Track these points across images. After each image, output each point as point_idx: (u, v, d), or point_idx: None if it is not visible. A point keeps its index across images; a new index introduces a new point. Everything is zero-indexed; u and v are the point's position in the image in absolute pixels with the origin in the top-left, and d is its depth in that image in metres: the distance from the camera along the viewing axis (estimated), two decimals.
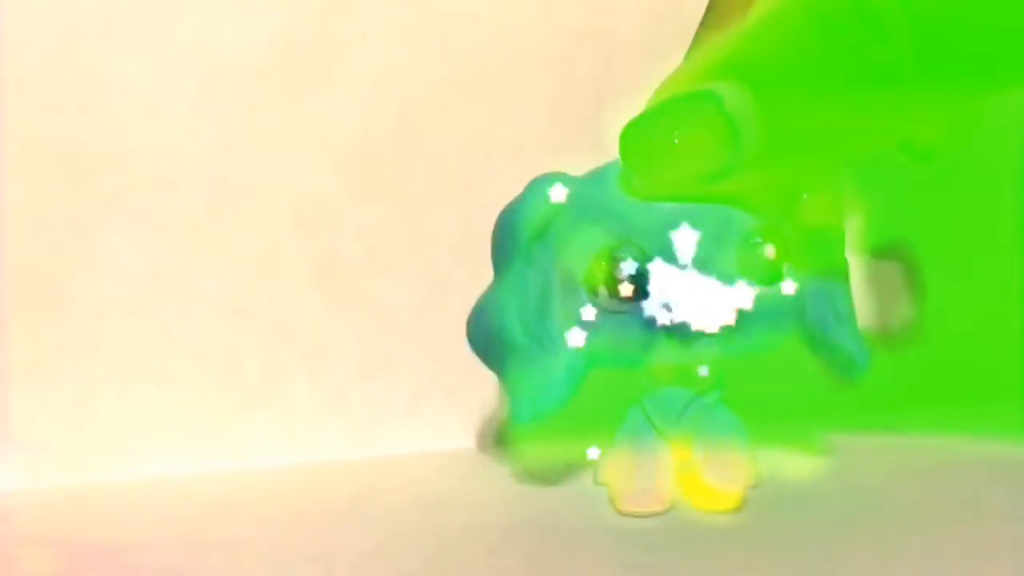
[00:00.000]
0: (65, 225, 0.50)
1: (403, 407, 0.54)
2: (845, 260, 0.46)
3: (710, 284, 0.42)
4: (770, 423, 0.45)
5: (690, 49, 0.47)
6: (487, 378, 0.47)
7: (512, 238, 0.45)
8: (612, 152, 0.44)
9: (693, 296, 0.42)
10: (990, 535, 0.42)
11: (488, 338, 0.45)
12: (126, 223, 0.50)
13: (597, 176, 0.44)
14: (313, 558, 0.41)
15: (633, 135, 0.42)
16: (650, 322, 0.42)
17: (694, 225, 0.42)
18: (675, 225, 0.42)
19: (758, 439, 0.45)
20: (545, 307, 0.43)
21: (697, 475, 0.44)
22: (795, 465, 0.47)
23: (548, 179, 0.44)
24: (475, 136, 0.55)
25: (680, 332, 0.42)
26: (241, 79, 0.52)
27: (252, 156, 0.52)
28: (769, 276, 0.43)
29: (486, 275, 0.47)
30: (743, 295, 0.42)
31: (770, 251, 0.43)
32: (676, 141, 0.41)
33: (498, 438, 0.54)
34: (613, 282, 0.42)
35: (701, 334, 0.42)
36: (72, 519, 0.46)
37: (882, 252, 0.59)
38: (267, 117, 0.52)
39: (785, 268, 0.43)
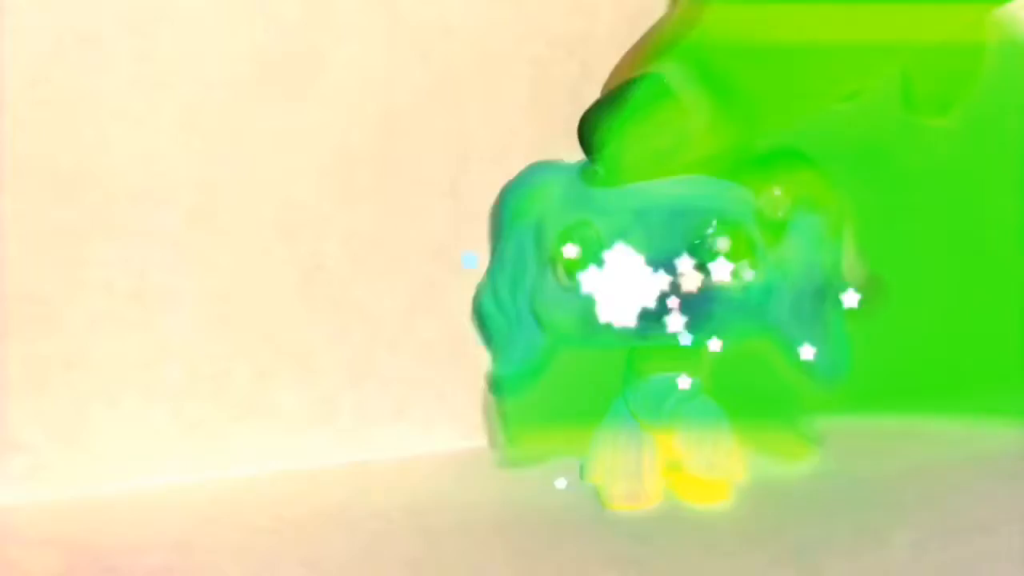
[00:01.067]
0: (52, 239, 0.50)
1: (391, 412, 0.55)
2: (825, 262, 0.46)
3: (632, 273, 0.43)
4: (756, 413, 0.45)
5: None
6: (475, 381, 0.47)
7: (500, 218, 0.47)
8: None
9: (613, 285, 0.43)
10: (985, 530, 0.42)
11: (476, 312, 0.47)
12: (112, 236, 0.51)
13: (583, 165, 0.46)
14: (304, 563, 0.41)
15: (589, 126, 0.43)
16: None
17: (656, 214, 0.43)
18: (634, 212, 0.43)
19: (745, 430, 0.45)
20: (518, 282, 0.45)
21: (682, 467, 0.44)
22: (785, 455, 0.47)
23: (542, 166, 0.46)
24: (456, 141, 0.56)
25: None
26: (223, 92, 0.52)
27: (236, 167, 0.53)
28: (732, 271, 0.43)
29: (472, 278, 0.47)
30: (660, 286, 0.43)
31: (723, 243, 0.43)
32: (631, 125, 0.43)
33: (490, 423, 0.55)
34: (566, 261, 0.44)
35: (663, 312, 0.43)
36: (65, 531, 0.46)
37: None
38: (250, 128, 0.53)
39: (741, 264, 0.44)
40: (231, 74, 0.52)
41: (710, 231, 0.43)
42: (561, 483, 0.45)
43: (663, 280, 0.43)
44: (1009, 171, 0.63)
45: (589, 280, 0.44)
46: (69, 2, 0.50)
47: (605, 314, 0.43)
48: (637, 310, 0.43)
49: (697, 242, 0.43)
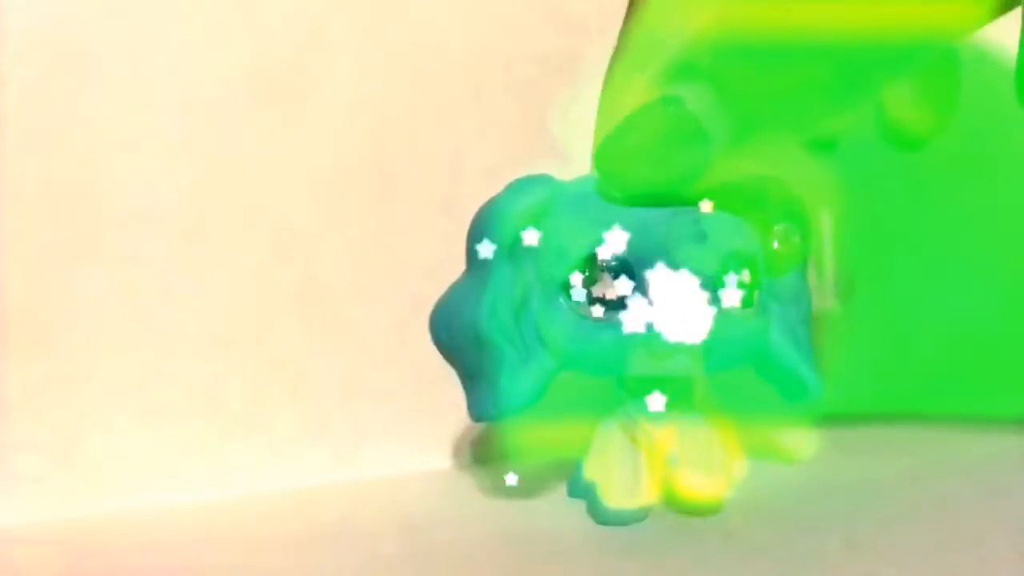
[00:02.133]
0: (46, 261, 0.50)
1: (385, 430, 0.55)
2: (806, 282, 0.47)
3: (689, 296, 0.43)
4: (751, 416, 0.45)
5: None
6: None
7: (487, 237, 0.45)
8: (579, 169, 0.45)
9: (672, 306, 0.43)
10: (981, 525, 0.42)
11: (456, 334, 0.45)
12: (106, 257, 0.51)
13: (585, 180, 0.45)
14: None
15: (608, 150, 0.43)
16: (624, 331, 0.43)
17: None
18: (659, 234, 0.43)
19: (740, 434, 0.45)
20: (522, 309, 0.44)
21: (675, 477, 0.44)
22: (780, 458, 0.47)
23: (532, 179, 0.45)
24: (448, 159, 0.56)
25: (653, 343, 0.43)
26: (216, 112, 0.53)
27: (229, 187, 0.53)
28: (744, 299, 0.43)
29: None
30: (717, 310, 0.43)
31: (745, 276, 0.43)
32: (649, 150, 0.42)
33: (475, 449, 0.55)
34: (591, 286, 0.43)
35: (676, 346, 0.42)
36: (61, 551, 0.46)
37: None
38: (242, 148, 0.53)
39: (756, 295, 0.44)
40: (224, 94, 0.53)
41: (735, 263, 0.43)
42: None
43: (701, 304, 0.43)
44: (999, 172, 0.63)
45: (630, 305, 0.43)
46: (61, 23, 0.50)
47: (671, 334, 0.43)
48: (695, 333, 0.43)
49: (713, 275, 0.43)
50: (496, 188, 0.48)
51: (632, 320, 0.42)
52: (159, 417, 0.52)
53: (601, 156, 0.44)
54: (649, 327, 0.42)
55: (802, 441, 0.46)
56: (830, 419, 0.46)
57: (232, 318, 0.53)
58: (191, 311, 0.52)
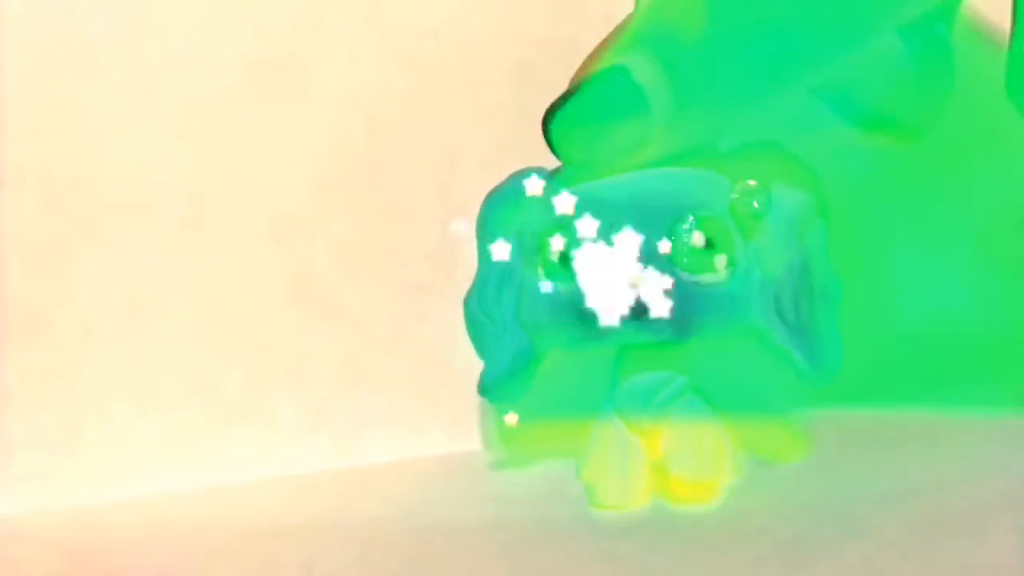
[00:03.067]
0: (43, 252, 0.50)
1: (383, 416, 0.55)
2: (807, 255, 0.46)
3: (613, 270, 0.44)
4: (745, 410, 0.46)
5: None
6: (466, 385, 0.48)
7: (485, 225, 0.47)
8: None
9: (595, 281, 0.43)
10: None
11: (466, 320, 0.47)
12: (103, 247, 0.51)
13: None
14: (299, 567, 0.42)
15: (557, 120, 0.44)
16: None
17: (632, 213, 0.44)
18: (612, 207, 0.44)
19: (734, 428, 0.45)
20: (503, 288, 0.45)
21: (670, 467, 0.44)
22: (774, 453, 0.47)
23: (527, 173, 0.46)
24: (444, 147, 0.56)
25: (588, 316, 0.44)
26: (213, 101, 0.53)
27: (225, 176, 0.53)
28: (698, 265, 0.44)
29: (461, 283, 0.48)
30: (649, 283, 0.43)
31: (698, 238, 0.44)
32: (596, 118, 0.43)
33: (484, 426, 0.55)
34: (546, 264, 0.44)
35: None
36: (61, 539, 0.46)
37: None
38: (239, 137, 0.53)
39: (718, 259, 0.44)
40: (220, 84, 0.53)
41: (686, 227, 0.44)
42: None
43: (646, 277, 0.43)
44: (991, 165, 0.63)
45: (573, 278, 0.44)
46: (59, 14, 0.51)
47: (593, 312, 0.44)
48: (621, 309, 0.43)
49: (673, 239, 0.44)
50: (493, 175, 0.48)
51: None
52: (158, 406, 0.52)
53: (549, 125, 0.45)
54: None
55: (796, 439, 0.46)
56: (825, 413, 0.47)
57: (230, 307, 0.53)
58: (189, 300, 0.52)
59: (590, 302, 0.44)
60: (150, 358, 0.52)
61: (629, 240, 0.44)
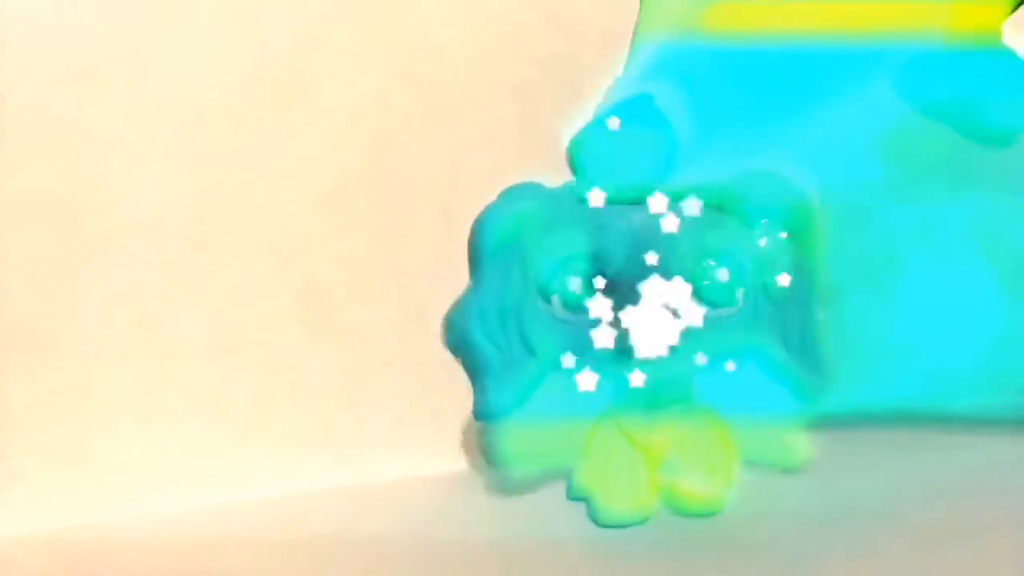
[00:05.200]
0: (49, 271, 0.50)
1: (389, 434, 0.55)
2: (808, 284, 0.47)
3: (654, 305, 0.44)
4: (749, 421, 0.46)
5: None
6: (471, 401, 0.48)
7: (481, 243, 0.46)
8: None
9: (637, 318, 0.43)
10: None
11: (457, 340, 0.47)
12: (110, 266, 0.51)
13: (569, 187, 0.46)
14: None
15: (580, 146, 0.44)
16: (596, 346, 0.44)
17: (651, 241, 0.44)
18: (633, 241, 0.44)
19: (737, 439, 0.45)
20: (509, 313, 0.45)
21: (673, 480, 0.45)
22: (777, 464, 0.47)
23: (521, 188, 0.47)
24: (447, 163, 0.56)
25: (625, 352, 0.44)
26: (217, 120, 0.53)
27: (230, 194, 0.53)
28: (721, 298, 0.44)
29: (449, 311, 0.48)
30: (690, 316, 0.44)
31: (723, 274, 0.44)
32: (619, 145, 0.43)
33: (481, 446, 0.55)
34: (566, 293, 0.44)
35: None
36: (67, 560, 0.46)
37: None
38: (243, 156, 0.53)
39: (739, 292, 0.44)
40: (224, 102, 0.53)
41: (711, 264, 0.44)
42: None
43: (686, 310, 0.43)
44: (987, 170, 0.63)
45: (592, 310, 0.44)
46: (63, 34, 0.51)
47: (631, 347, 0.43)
48: (665, 342, 0.43)
49: (697, 272, 0.44)
50: (496, 192, 0.48)
51: (601, 337, 0.43)
52: (164, 423, 0.52)
53: (573, 152, 0.45)
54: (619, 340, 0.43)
55: (799, 447, 0.46)
56: (826, 422, 0.47)
57: (235, 324, 0.53)
58: (194, 318, 0.52)
59: (633, 338, 0.44)
60: (156, 375, 0.52)
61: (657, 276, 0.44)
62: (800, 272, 0.46)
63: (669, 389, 0.44)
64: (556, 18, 0.58)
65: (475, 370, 0.46)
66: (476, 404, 0.46)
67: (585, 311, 0.44)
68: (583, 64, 0.58)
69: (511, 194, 0.47)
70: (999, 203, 0.55)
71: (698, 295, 0.44)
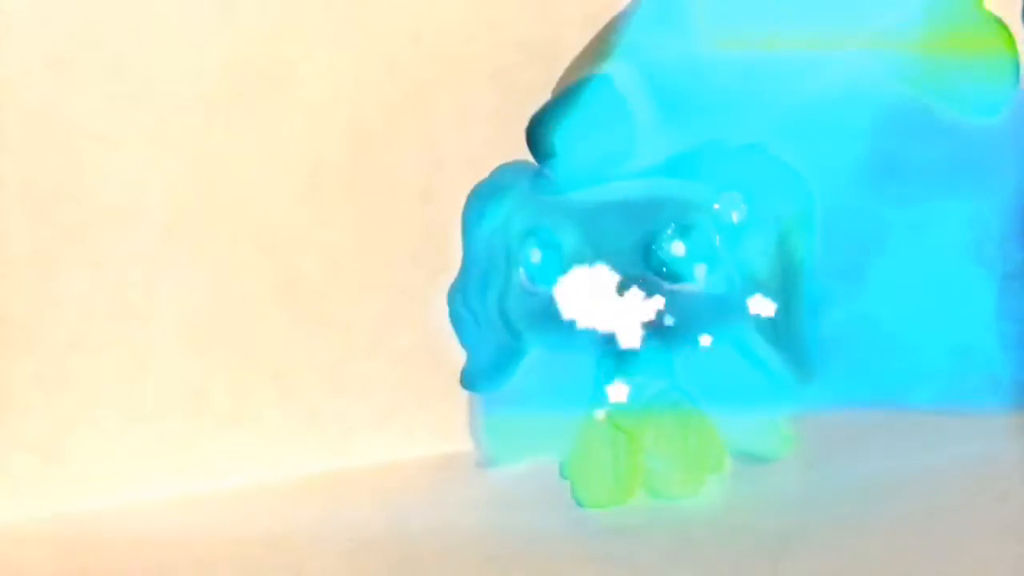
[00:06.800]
0: (27, 261, 0.50)
1: (372, 419, 0.55)
2: (788, 265, 0.46)
3: (600, 282, 0.44)
4: (732, 408, 0.46)
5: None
6: (454, 386, 0.48)
7: (468, 219, 0.47)
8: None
9: (579, 294, 0.44)
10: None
11: (448, 315, 0.48)
12: (88, 255, 0.51)
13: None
14: (289, 571, 0.42)
15: (538, 129, 0.44)
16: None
17: (613, 218, 0.44)
18: (594, 216, 0.44)
19: (720, 426, 0.45)
20: (486, 284, 0.45)
21: (657, 464, 0.45)
22: (761, 452, 0.47)
23: (508, 167, 0.47)
24: (427, 149, 0.56)
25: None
26: (195, 109, 0.53)
27: (209, 183, 0.53)
28: (677, 274, 0.44)
29: (447, 285, 0.48)
30: (644, 298, 0.44)
31: (678, 248, 0.44)
32: (578, 128, 0.43)
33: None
34: (528, 265, 0.44)
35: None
36: (48, 549, 0.46)
37: None
38: (222, 144, 0.53)
39: (698, 268, 0.44)
40: (202, 91, 0.53)
41: (667, 234, 0.44)
42: None
43: (627, 287, 0.43)
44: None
45: (554, 285, 0.44)
46: (39, 24, 0.51)
47: (571, 318, 0.44)
48: (603, 317, 0.43)
49: (654, 247, 0.44)
50: (476, 177, 0.48)
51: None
52: (146, 413, 0.52)
53: (530, 134, 0.45)
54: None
55: (780, 438, 0.46)
56: (809, 414, 0.47)
57: (216, 313, 0.53)
58: (175, 307, 0.52)
59: (570, 313, 0.44)
60: (137, 366, 0.52)
61: (611, 251, 0.44)
62: (786, 256, 0.46)
63: (649, 366, 0.44)
64: (536, 1, 0.58)
65: (460, 340, 0.47)
66: (463, 372, 0.47)
67: (546, 283, 0.44)
68: (563, 48, 0.58)
69: (499, 172, 0.47)
70: (963, 207, 0.56)
71: (656, 268, 0.44)
